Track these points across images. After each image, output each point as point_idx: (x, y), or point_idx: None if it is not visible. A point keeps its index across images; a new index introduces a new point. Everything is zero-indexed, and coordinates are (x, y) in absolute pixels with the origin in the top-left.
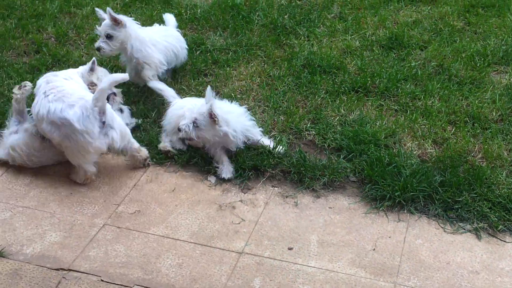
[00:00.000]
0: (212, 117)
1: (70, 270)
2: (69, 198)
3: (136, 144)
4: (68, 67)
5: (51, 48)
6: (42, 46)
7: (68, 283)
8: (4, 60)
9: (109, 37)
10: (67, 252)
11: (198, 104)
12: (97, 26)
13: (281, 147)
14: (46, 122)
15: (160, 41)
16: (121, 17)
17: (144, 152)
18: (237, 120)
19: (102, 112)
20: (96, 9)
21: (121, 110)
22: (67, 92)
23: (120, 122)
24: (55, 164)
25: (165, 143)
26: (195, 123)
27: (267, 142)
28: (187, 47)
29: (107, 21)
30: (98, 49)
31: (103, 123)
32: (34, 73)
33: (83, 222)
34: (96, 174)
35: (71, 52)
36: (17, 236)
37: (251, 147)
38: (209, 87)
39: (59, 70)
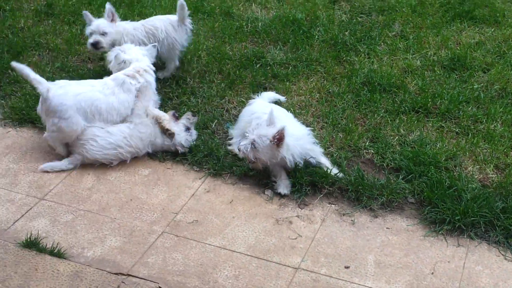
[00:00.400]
0: (278, 140)
1: (129, 275)
2: (129, 204)
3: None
4: None
5: None
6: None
7: None
8: (69, 66)
9: (103, 34)
10: (126, 257)
11: (265, 116)
12: (89, 24)
13: (340, 172)
14: None
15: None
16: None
17: None
18: (297, 144)
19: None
20: (84, 12)
21: (188, 129)
22: None
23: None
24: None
25: (233, 147)
26: (253, 144)
27: (327, 163)
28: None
29: (102, 20)
30: (95, 44)
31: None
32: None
33: (142, 228)
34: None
35: None
36: (78, 238)
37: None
38: (271, 109)
39: None
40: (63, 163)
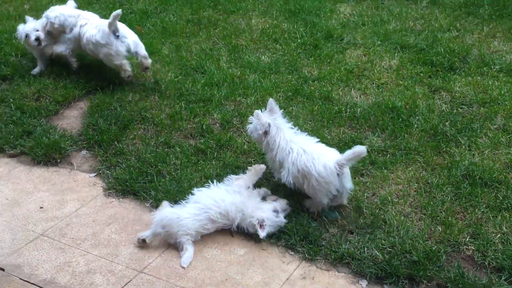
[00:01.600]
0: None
1: None
2: (224, 284)
3: (144, 52)
4: (231, 152)
5: (215, 133)
6: (208, 131)
7: None
8: (173, 141)
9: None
10: None
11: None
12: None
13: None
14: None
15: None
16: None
17: (148, 61)
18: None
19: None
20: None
21: (277, 212)
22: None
23: (133, 35)
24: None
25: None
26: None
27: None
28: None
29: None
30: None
31: (117, 36)
32: (199, 155)
33: None
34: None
35: (234, 139)
36: None
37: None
38: (270, 100)
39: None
40: (190, 252)
